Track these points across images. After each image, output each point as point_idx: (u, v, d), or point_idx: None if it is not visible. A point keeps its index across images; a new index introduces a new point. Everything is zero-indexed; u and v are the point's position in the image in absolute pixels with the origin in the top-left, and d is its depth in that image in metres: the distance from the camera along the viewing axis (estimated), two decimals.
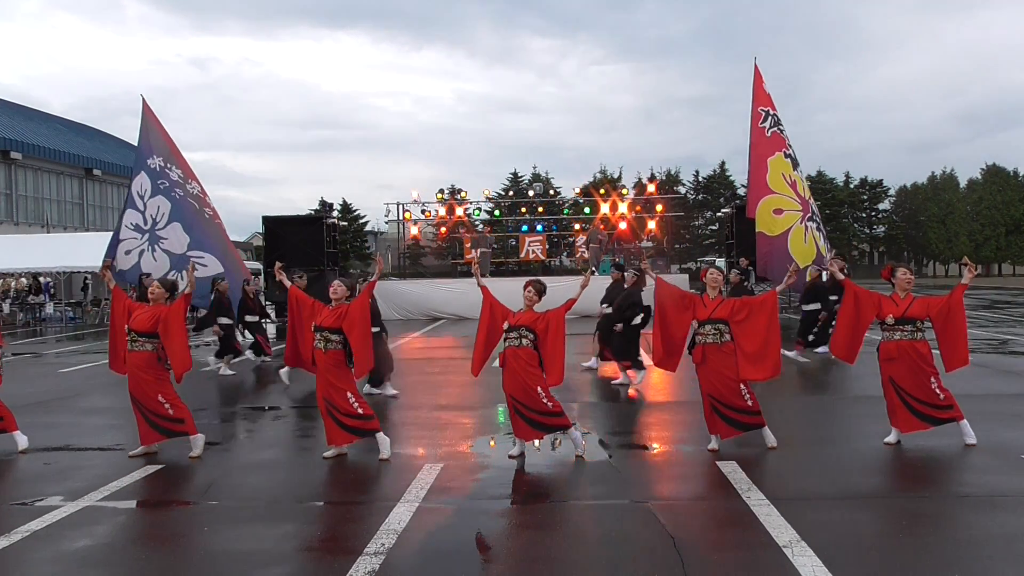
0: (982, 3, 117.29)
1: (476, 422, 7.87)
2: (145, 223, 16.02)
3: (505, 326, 6.22)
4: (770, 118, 15.37)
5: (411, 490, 5.29)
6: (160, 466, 6.15)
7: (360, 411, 6.22)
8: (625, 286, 10.08)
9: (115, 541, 4.57)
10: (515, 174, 59.73)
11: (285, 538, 4.49)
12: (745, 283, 19.44)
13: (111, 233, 33.14)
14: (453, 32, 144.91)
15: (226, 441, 7.20)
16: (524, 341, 6.13)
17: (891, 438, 6.30)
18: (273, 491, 5.46)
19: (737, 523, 4.57)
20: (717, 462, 5.83)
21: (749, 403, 6.15)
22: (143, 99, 16.64)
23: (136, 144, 13.42)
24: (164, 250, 16.01)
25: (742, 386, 6.12)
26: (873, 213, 65.72)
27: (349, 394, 6.22)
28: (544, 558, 4.14)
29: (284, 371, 9.86)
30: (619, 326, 9.66)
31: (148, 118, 16.61)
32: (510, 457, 6.13)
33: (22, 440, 6.87)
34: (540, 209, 29.55)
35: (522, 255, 28.84)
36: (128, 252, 15.86)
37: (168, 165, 16.36)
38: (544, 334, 6.13)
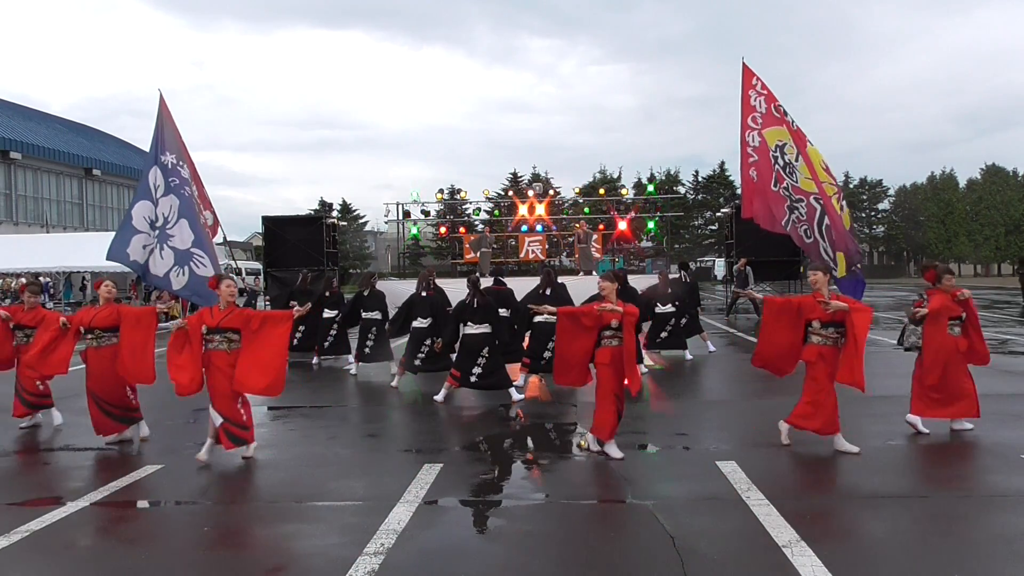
0: (981, 3, 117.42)
1: (476, 422, 7.87)
2: (156, 220, 16.07)
3: (611, 324, 6.14)
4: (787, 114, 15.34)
5: (411, 490, 5.29)
6: (160, 466, 6.15)
7: (244, 419, 6.26)
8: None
9: (115, 541, 4.57)
10: (515, 174, 59.80)
11: (285, 538, 4.49)
12: (747, 285, 19.50)
13: (109, 234, 33.11)
14: (453, 32, 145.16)
15: None
16: (616, 341, 6.15)
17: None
18: (273, 491, 5.46)
19: (737, 523, 4.57)
20: (717, 462, 5.84)
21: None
22: (160, 94, 16.73)
23: (147, 144, 13.47)
24: (171, 247, 16.10)
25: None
26: (873, 213, 65.85)
27: (241, 399, 6.27)
28: (544, 558, 4.14)
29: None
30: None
31: (164, 114, 16.68)
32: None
33: (58, 416, 7.97)
34: (541, 213, 29.54)
35: (522, 255, 28.84)
36: (144, 246, 15.89)
37: (179, 163, 16.44)
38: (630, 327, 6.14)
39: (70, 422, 8.26)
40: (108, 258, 15.78)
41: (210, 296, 17.12)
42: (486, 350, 8.56)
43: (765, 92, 15.47)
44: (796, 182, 15.32)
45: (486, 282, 10.72)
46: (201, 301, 18.10)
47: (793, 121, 15.32)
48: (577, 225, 27.75)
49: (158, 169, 16.74)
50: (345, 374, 11.17)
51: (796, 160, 15.11)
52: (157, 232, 16.26)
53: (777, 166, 15.50)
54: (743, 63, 15.64)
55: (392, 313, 10.60)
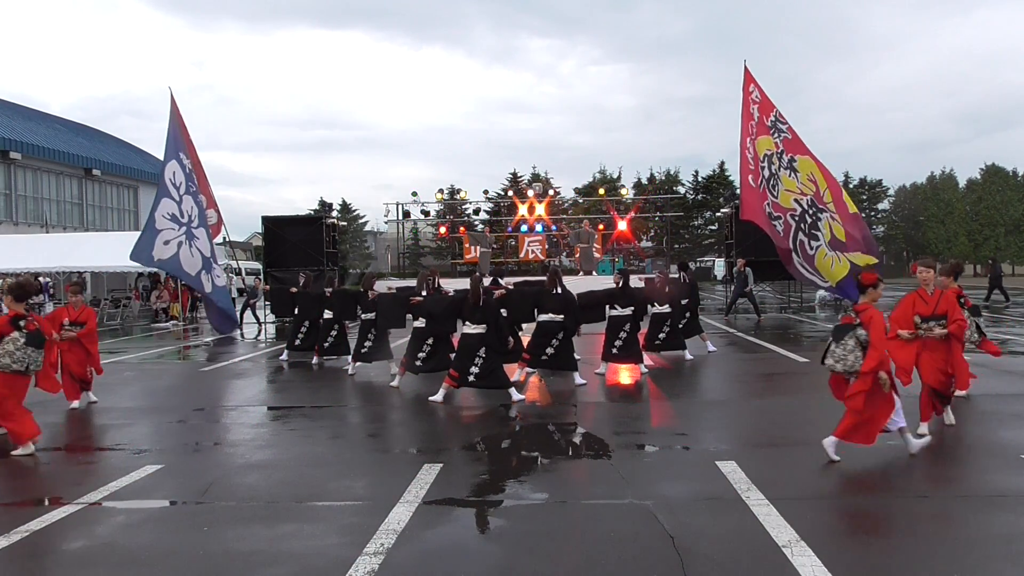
0: (981, 3, 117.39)
1: (476, 422, 7.87)
2: (181, 216, 16.25)
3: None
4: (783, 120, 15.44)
5: (411, 490, 5.29)
6: (160, 466, 6.15)
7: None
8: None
9: (115, 541, 4.56)
10: (515, 174, 59.81)
11: (285, 538, 4.49)
12: (746, 288, 19.49)
13: (109, 234, 32.99)
14: (452, 32, 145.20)
15: (226, 441, 7.20)
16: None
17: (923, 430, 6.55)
18: (273, 491, 5.46)
19: (736, 523, 4.57)
20: (717, 462, 5.84)
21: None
22: (170, 92, 16.79)
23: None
24: (198, 248, 16.38)
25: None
26: (873, 213, 65.77)
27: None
28: (544, 558, 4.14)
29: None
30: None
31: (176, 114, 16.81)
32: None
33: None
34: (541, 213, 29.54)
35: (522, 255, 28.86)
36: (167, 242, 16.04)
37: (191, 169, 16.69)
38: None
39: (71, 422, 8.27)
40: (132, 258, 15.90)
41: (230, 309, 17.16)
42: (483, 350, 8.56)
43: (760, 100, 15.59)
44: (776, 196, 15.47)
45: (485, 282, 10.72)
46: (228, 310, 18.39)
47: (785, 129, 15.31)
48: (567, 227, 27.75)
49: (177, 165, 16.85)
50: (345, 374, 11.17)
51: (780, 171, 15.23)
52: (183, 228, 16.42)
53: (762, 177, 15.59)
54: (744, 66, 15.69)
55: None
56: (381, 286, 12.24)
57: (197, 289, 16.66)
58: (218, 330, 17.50)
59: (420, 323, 9.58)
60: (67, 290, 9.12)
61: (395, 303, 10.29)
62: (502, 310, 9.34)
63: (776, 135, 15.10)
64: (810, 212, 15.34)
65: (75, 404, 8.81)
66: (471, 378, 8.55)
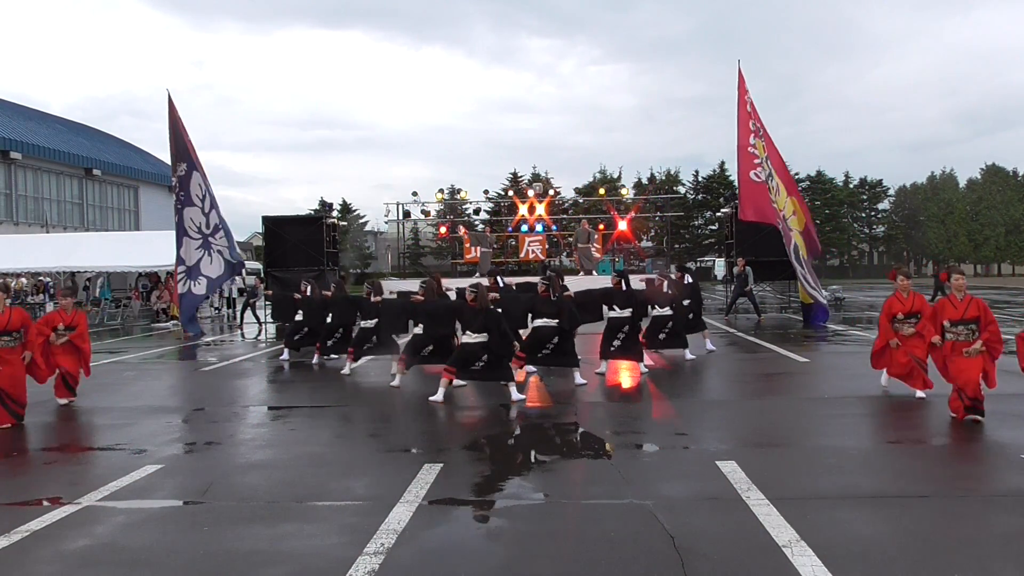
0: (981, 3, 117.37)
1: (476, 422, 7.87)
2: (207, 226, 17.00)
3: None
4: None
5: (411, 490, 5.29)
6: (160, 466, 6.15)
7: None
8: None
9: (115, 541, 4.57)
10: (515, 174, 59.84)
11: (285, 538, 4.49)
12: (746, 287, 19.50)
13: (108, 233, 33.04)
14: (452, 32, 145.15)
15: (226, 441, 7.20)
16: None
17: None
18: (273, 491, 5.46)
19: (736, 523, 4.57)
20: (717, 462, 5.84)
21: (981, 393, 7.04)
22: (169, 95, 16.82)
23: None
24: (217, 251, 16.98)
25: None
26: (873, 213, 65.79)
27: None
28: (544, 558, 4.14)
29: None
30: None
31: (174, 116, 16.92)
32: None
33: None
34: (541, 213, 29.48)
35: (522, 255, 28.84)
36: (196, 250, 16.83)
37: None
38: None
39: (71, 422, 8.28)
40: (237, 267, 16.50)
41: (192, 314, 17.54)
42: (484, 356, 8.56)
43: (750, 101, 15.76)
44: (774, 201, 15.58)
45: (484, 282, 10.72)
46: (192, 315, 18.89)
47: (761, 135, 15.55)
48: (569, 236, 27.74)
49: (200, 177, 17.40)
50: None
51: (768, 180, 15.36)
52: (203, 239, 17.18)
53: (767, 174, 15.69)
54: (739, 67, 15.81)
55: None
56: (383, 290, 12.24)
57: (217, 288, 17.66)
58: (188, 332, 18.01)
59: (419, 329, 9.58)
60: (58, 295, 9.60)
61: (397, 308, 10.27)
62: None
63: (762, 138, 15.30)
64: (783, 230, 15.46)
65: (64, 401, 9.20)
66: (473, 370, 8.57)
